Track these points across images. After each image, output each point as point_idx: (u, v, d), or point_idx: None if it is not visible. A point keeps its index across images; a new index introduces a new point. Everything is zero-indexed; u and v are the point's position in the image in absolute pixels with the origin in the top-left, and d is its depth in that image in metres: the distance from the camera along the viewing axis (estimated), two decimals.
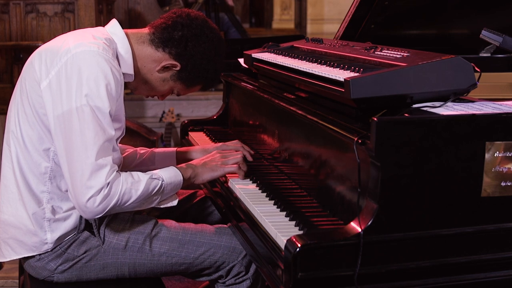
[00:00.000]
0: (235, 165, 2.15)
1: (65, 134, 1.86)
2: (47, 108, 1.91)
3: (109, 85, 1.88)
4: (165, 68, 2.08)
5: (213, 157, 2.17)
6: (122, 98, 1.99)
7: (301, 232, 1.65)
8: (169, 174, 2.01)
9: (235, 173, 2.16)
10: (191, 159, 2.27)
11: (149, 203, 1.98)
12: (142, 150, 2.43)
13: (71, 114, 1.85)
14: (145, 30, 2.11)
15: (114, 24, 2.09)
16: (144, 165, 2.38)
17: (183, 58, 2.07)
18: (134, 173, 1.94)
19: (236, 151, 2.26)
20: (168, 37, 2.05)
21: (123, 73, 2.01)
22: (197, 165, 2.13)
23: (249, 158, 2.30)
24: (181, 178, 2.04)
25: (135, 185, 1.89)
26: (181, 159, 2.40)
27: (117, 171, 1.87)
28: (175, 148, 2.46)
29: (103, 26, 2.10)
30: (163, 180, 1.97)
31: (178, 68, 2.08)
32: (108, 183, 1.83)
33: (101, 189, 1.82)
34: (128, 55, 2.03)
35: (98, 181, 1.82)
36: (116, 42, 2.03)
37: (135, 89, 2.16)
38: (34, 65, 1.96)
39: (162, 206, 2.04)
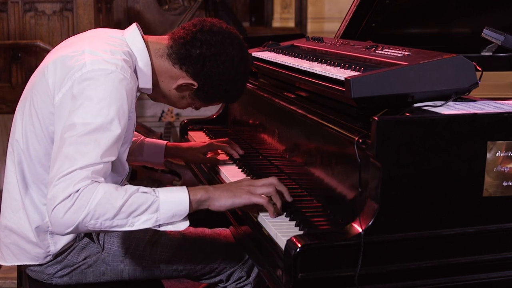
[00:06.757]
0: (264, 198, 1.77)
1: (59, 145, 1.71)
2: (55, 124, 1.81)
3: (121, 108, 1.75)
4: (182, 86, 1.97)
5: (240, 182, 1.86)
6: (134, 113, 1.92)
7: (301, 232, 1.64)
8: (170, 191, 1.73)
9: (261, 205, 1.78)
10: (179, 156, 2.14)
11: (141, 223, 1.69)
12: (133, 137, 2.32)
13: (72, 127, 1.71)
14: (165, 41, 1.97)
15: (133, 31, 1.96)
16: (132, 155, 2.28)
17: (200, 78, 1.93)
18: (121, 186, 1.69)
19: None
20: (186, 54, 1.92)
21: (141, 88, 1.94)
22: (214, 188, 1.80)
23: (240, 152, 2.32)
24: (187, 197, 1.72)
25: (114, 195, 1.64)
26: (169, 155, 2.37)
27: (95, 181, 1.65)
28: (165, 142, 2.38)
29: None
30: (157, 196, 1.69)
31: (195, 87, 1.96)
32: (78, 190, 1.61)
33: (69, 195, 1.61)
34: (147, 68, 1.93)
35: (66, 189, 1.61)
36: (136, 55, 1.91)
37: (155, 99, 2.07)
38: (48, 78, 1.85)
39: (161, 229, 1.74)
